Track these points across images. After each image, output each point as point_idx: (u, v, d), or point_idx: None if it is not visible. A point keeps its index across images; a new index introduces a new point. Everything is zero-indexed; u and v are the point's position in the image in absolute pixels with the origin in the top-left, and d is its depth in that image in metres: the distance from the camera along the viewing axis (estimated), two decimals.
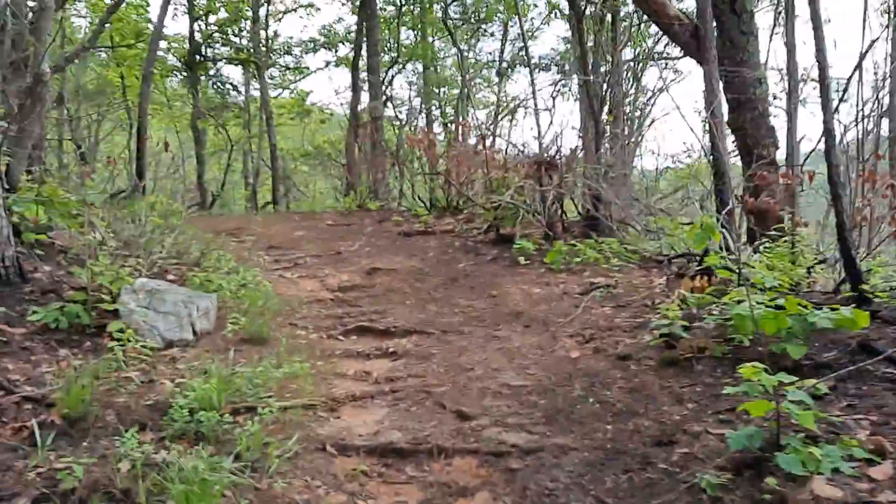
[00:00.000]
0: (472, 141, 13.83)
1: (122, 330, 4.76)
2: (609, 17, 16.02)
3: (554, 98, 10.39)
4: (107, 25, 21.85)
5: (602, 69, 14.69)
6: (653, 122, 19.32)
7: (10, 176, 7.59)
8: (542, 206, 9.01)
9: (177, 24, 58.59)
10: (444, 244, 9.37)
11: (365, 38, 18.19)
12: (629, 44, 17.60)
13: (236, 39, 24.54)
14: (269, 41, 24.80)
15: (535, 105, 10.51)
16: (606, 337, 5.11)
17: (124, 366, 4.41)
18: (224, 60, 25.14)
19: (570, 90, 23.26)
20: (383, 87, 22.75)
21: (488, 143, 12.32)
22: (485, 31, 26.22)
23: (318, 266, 8.78)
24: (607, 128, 10.65)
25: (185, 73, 24.93)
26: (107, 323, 4.92)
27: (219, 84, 26.19)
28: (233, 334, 5.36)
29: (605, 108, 10.49)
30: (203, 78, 25.44)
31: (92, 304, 5.00)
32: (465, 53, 22.88)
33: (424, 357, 5.22)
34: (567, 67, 23.25)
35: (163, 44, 24.74)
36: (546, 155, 9.55)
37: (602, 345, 4.95)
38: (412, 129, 27.84)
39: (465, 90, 22.41)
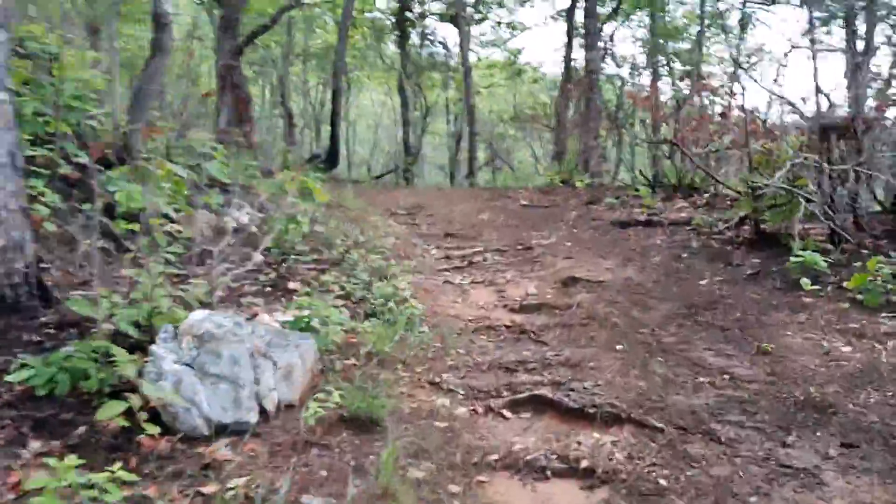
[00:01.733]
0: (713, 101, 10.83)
1: (131, 411, 2.88)
2: None
3: (853, 30, 7.11)
4: None
5: None
6: None
7: (129, 146, 6.19)
8: (830, 191, 6.00)
9: None
10: (675, 243, 6.70)
11: None
12: None
13: None
14: None
15: (813, 45, 7.33)
16: None
17: (107, 491, 2.49)
18: (432, 16, 23.54)
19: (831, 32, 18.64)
20: (603, 42, 19.78)
21: (737, 101, 9.27)
22: None
23: (499, 267, 6.57)
24: None
25: (395, 33, 23.79)
26: (129, 389, 3.08)
27: (428, 43, 24.79)
28: (325, 411, 3.29)
29: None
30: (415, 37, 24.14)
31: (106, 358, 3.18)
32: None
33: (650, 493, 2.79)
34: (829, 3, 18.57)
35: (380, 3, 23.81)
36: (836, 117, 6.45)
37: None
38: (634, 87, 24.58)
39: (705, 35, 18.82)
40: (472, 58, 21.45)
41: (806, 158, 5.75)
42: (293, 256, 5.89)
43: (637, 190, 9.27)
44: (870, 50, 9.57)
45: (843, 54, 16.73)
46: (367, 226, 7.67)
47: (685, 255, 6.21)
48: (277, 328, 3.69)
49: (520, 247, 7.17)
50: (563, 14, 20.47)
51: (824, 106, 7.66)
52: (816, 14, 20.59)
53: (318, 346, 3.75)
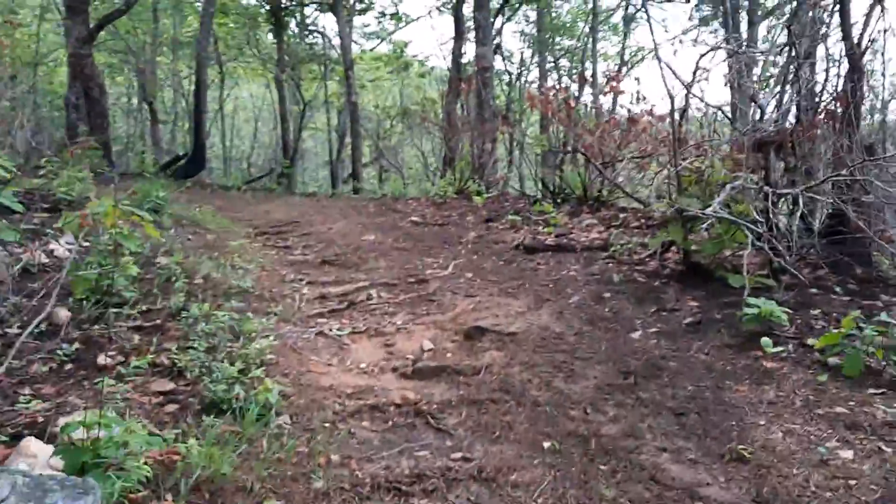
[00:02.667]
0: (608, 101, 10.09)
1: None
2: None
3: (795, 35, 6.30)
4: None
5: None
6: None
7: None
8: (768, 215, 5.18)
9: None
10: (593, 276, 5.72)
11: None
12: None
13: None
14: None
15: (737, 43, 6.59)
16: None
17: None
18: (311, 5, 21.90)
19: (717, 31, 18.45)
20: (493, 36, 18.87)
21: (646, 106, 8.49)
22: None
23: (387, 308, 5.38)
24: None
25: (271, 22, 21.98)
26: None
27: (306, 33, 23.19)
28: None
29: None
30: (293, 26, 22.45)
31: None
32: None
33: None
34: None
35: None
36: (770, 129, 5.64)
37: None
38: (523, 85, 23.99)
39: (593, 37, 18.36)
40: (354, 49, 20.08)
41: (748, 180, 4.88)
42: (113, 310, 4.46)
43: (542, 206, 8.30)
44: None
45: (729, 55, 16.49)
46: (226, 254, 6.27)
47: (607, 293, 5.23)
48: (37, 478, 2.31)
49: (412, 279, 6.00)
50: (450, 6, 19.38)
51: (740, 115, 6.95)
52: (701, 12, 20.47)
53: (107, 499, 2.42)
